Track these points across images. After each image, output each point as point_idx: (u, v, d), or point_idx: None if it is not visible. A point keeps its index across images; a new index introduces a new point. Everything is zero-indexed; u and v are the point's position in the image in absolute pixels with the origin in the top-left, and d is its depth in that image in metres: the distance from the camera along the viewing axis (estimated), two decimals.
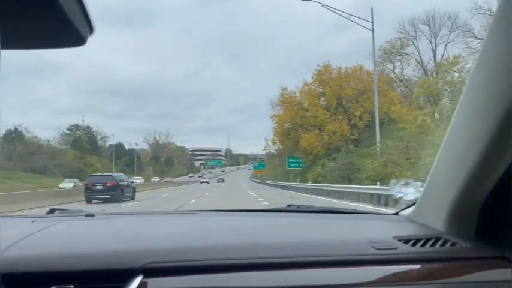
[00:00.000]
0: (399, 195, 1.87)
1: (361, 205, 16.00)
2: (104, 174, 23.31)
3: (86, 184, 21.11)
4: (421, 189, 1.36)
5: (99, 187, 20.03)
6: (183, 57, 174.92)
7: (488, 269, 1.02)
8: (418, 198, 1.38)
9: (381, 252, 1.04)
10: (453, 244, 1.08)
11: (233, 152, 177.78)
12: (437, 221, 1.18)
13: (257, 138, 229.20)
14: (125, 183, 21.81)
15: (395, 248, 1.06)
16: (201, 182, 71.79)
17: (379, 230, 1.31)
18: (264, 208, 1.96)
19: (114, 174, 23.55)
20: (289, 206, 1.86)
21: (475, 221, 1.11)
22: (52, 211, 1.71)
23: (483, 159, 0.98)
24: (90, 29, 0.53)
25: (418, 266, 1.03)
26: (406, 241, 1.10)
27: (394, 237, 1.12)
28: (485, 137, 0.94)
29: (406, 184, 1.87)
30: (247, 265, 0.96)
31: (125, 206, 17.75)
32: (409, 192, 1.78)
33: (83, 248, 1.01)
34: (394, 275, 0.99)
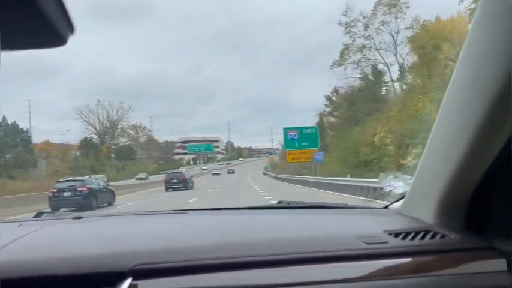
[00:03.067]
0: (389, 189, 1.88)
1: None
2: (74, 179, 21.32)
3: (51, 190, 19.25)
4: (410, 182, 1.36)
5: (67, 194, 18.45)
6: (183, 54, 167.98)
7: (478, 260, 1.03)
8: (407, 191, 1.39)
9: (371, 247, 1.04)
10: (443, 236, 1.09)
11: (236, 146, 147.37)
12: (427, 213, 1.19)
13: (260, 134, 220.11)
14: (100, 187, 20.40)
15: (386, 242, 1.06)
16: (213, 174, 71.95)
17: (369, 224, 1.31)
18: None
19: (86, 178, 22.43)
20: (279, 202, 1.85)
21: (464, 213, 1.12)
22: (39, 214, 1.69)
23: (470, 151, 0.99)
24: (71, 29, 0.52)
25: (408, 260, 1.03)
26: (396, 235, 1.10)
27: (384, 231, 1.12)
28: (471, 129, 0.95)
29: (396, 177, 1.88)
30: (237, 264, 0.95)
31: (115, 208, 17.48)
32: (399, 185, 1.79)
33: (70, 252, 1.00)
34: (385, 269, 1.00)
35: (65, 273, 0.89)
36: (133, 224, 1.48)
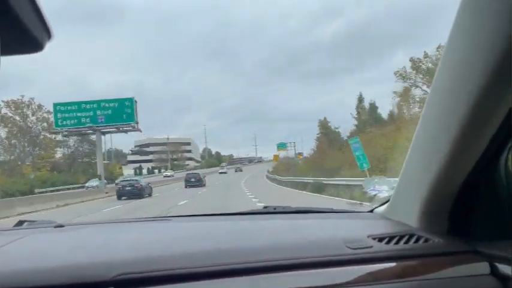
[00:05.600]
0: (373, 193, 1.90)
1: None
2: (132, 178, 32.39)
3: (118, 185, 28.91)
4: (394, 186, 1.37)
5: (128, 188, 26.57)
6: (161, 62, 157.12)
7: (461, 263, 1.04)
8: (391, 195, 1.40)
9: (356, 252, 1.04)
10: (426, 240, 1.10)
11: (213, 152, 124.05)
12: (411, 217, 1.20)
13: (240, 145, 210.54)
14: (145, 184, 28.80)
15: (370, 247, 1.07)
16: (220, 173, 72.03)
17: (354, 229, 1.32)
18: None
19: (138, 178, 35.00)
20: (265, 207, 1.85)
21: (447, 217, 1.13)
22: (20, 223, 1.65)
23: (452, 156, 1.00)
24: (48, 35, 0.52)
25: (393, 264, 1.04)
26: (381, 239, 1.11)
27: (369, 236, 1.12)
28: (453, 134, 0.96)
29: (380, 181, 1.90)
30: (222, 272, 0.94)
31: (98, 214, 17.35)
32: (383, 189, 1.81)
33: (51, 262, 0.98)
34: (370, 274, 1.00)
35: (45, 284, 0.87)
36: (116, 232, 1.46)
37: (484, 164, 1.02)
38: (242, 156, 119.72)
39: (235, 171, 76.67)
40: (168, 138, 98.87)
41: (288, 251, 1.03)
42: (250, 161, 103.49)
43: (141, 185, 27.03)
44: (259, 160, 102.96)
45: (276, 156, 65.20)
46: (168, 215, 1.78)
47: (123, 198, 25.56)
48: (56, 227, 1.45)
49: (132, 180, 29.19)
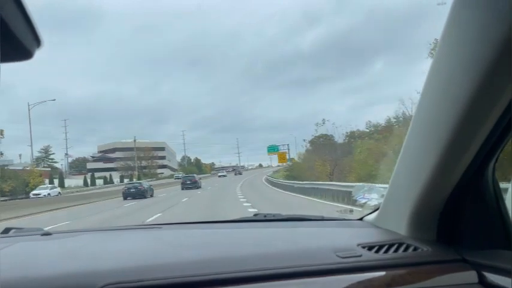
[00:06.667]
0: (363, 200, 1.90)
1: None
2: (136, 182, 38.64)
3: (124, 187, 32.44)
4: (384, 194, 1.38)
5: (132, 190, 30.31)
6: (138, 71, 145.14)
7: (449, 272, 1.04)
8: (381, 203, 1.40)
9: (345, 261, 1.04)
10: (415, 249, 1.10)
11: (192, 159, 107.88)
12: (400, 226, 1.20)
13: (223, 153, 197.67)
14: (147, 186, 32.25)
15: (360, 256, 1.07)
16: (219, 176, 74.28)
17: (343, 237, 1.32)
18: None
19: (141, 181, 37.91)
20: (255, 215, 1.84)
21: (436, 225, 1.14)
22: (7, 231, 1.62)
23: (441, 165, 1.01)
24: (38, 43, 0.52)
25: (382, 273, 1.04)
26: (370, 248, 1.11)
27: (358, 245, 1.13)
28: (442, 144, 0.97)
29: (370, 189, 1.91)
30: (211, 281, 0.94)
31: (87, 221, 17.28)
32: (373, 197, 1.81)
33: (38, 271, 0.96)
34: (359, 283, 1.00)
35: None
36: (104, 240, 1.44)
37: (472, 173, 1.03)
38: (224, 165, 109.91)
39: (235, 174, 79.78)
40: (135, 141, 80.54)
41: (277, 260, 1.03)
42: (234, 169, 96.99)
43: (143, 186, 31.25)
44: (242, 168, 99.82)
45: (283, 158, 62.64)
46: (159, 223, 1.76)
47: (129, 198, 29.02)
48: (43, 234, 1.43)
49: (136, 183, 35.08)
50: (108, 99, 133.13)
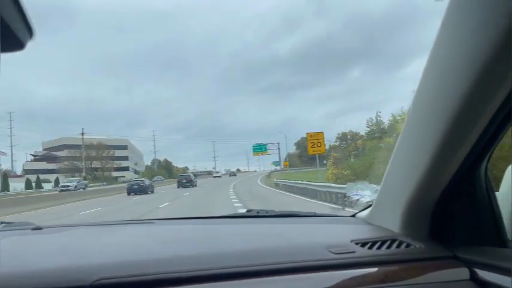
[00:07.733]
0: (356, 198, 1.91)
1: None
2: (139, 179, 40.74)
3: (128, 184, 36.72)
4: (377, 190, 1.38)
5: (136, 186, 34.41)
6: (111, 73, 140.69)
7: (441, 269, 1.05)
8: (374, 200, 1.41)
9: (338, 257, 1.04)
10: (408, 245, 1.11)
11: (162, 161, 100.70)
12: (393, 222, 1.21)
13: (198, 158, 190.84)
14: (148, 183, 36.37)
15: (353, 252, 1.07)
16: (214, 177, 77.21)
17: (337, 233, 1.32)
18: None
19: (143, 178, 40.76)
20: (248, 211, 1.84)
21: (429, 222, 1.14)
22: None
23: (434, 162, 1.01)
24: (30, 34, 0.51)
25: (375, 269, 1.04)
26: (363, 244, 1.11)
27: (351, 241, 1.13)
28: (435, 141, 0.97)
29: (362, 186, 1.91)
30: (203, 277, 0.93)
31: (79, 215, 17.25)
32: (365, 194, 1.82)
33: (28, 266, 0.95)
34: (352, 279, 1.00)
35: None
36: (96, 235, 1.43)
37: (464, 170, 1.04)
38: (199, 170, 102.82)
39: (229, 175, 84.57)
40: (82, 137, 66.52)
41: (270, 256, 1.03)
42: (209, 173, 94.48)
43: (145, 184, 35.22)
44: (217, 174, 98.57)
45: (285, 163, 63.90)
46: (152, 218, 1.75)
47: (132, 194, 32.82)
48: (33, 229, 1.42)
49: (139, 180, 38.35)
50: (79, 101, 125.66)
